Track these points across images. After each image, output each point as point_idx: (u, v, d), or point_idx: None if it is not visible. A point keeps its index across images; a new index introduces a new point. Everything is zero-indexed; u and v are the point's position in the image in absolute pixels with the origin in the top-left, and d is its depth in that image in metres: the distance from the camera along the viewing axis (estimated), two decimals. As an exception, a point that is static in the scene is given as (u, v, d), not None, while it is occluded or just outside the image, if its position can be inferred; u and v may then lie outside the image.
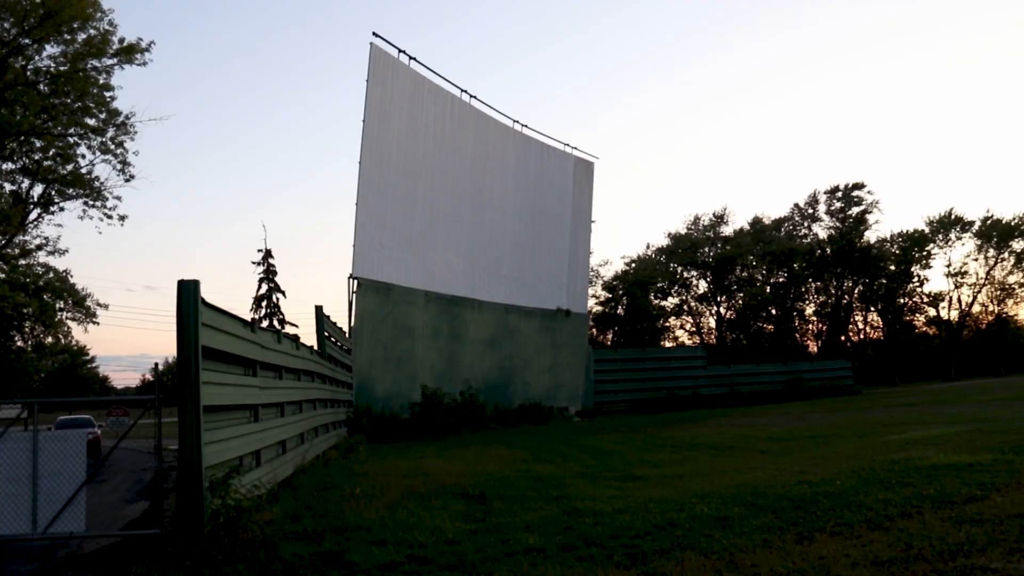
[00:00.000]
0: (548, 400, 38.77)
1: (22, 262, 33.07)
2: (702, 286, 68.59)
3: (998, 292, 69.41)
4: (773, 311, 65.48)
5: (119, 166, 31.42)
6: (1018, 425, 16.77)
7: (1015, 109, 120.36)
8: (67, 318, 36.21)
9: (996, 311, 70.28)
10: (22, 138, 28.98)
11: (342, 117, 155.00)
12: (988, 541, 6.70)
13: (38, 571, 8.40)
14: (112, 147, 31.01)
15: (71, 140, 30.75)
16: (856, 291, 67.99)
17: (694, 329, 69.73)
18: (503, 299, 35.81)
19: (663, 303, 67.65)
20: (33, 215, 32.13)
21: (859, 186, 66.19)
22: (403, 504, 10.82)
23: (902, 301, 68.26)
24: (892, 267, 65.65)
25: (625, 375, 45.80)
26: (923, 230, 67.03)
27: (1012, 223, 66.11)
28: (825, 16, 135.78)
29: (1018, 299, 69.34)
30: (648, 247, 75.37)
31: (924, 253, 66.94)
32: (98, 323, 39.48)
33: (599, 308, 63.13)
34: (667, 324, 68.31)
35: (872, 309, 69.60)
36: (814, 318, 69.41)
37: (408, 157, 28.95)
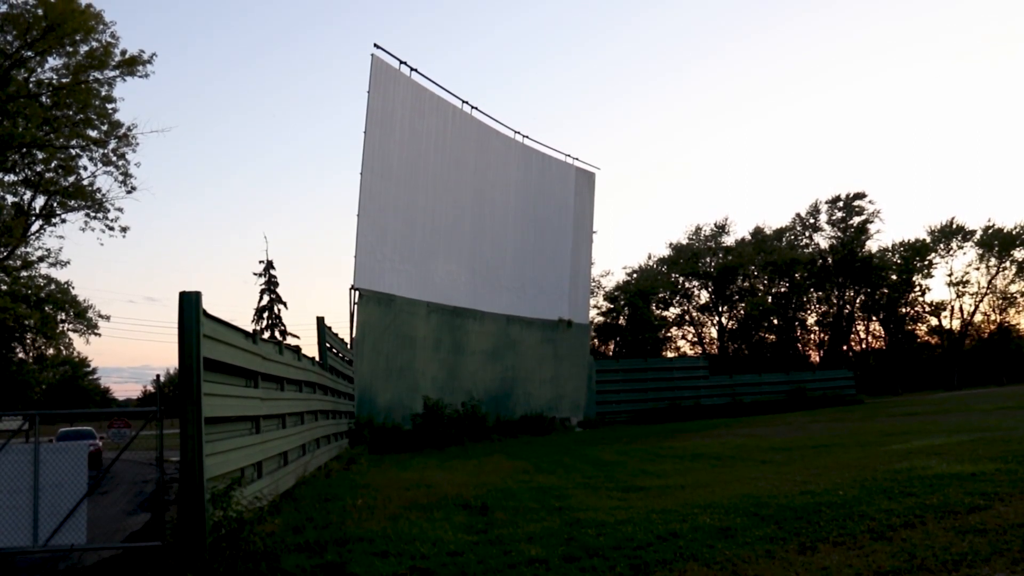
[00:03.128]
0: (550, 411, 38.62)
1: (24, 274, 33.15)
2: (704, 296, 68.59)
3: (1000, 301, 69.36)
4: (775, 321, 65.41)
5: (121, 178, 31.52)
6: (1021, 435, 16.71)
7: (1016, 118, 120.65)
8: (68, 329, 36.25)
9: (998, 320, 70.21)
10: (24, 150, 29.10)
11: (344, 128, 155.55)
12: (991, 551, 6.67)
13: (39, 584, 8.38)
14: (114, 159, 31.12)
15: (73, 152, 30.87)
16: (858, 300, 67.94)
17: (696, 339, 69.68)
18: (505, 310, 35.77)
19: (664, 313, 67.60)
20: (35, 227, 32.22)
21: (860, 196, 66.31)
22: (405, 515, 10.79)
23: (904, 310, 68.20)
24: (894, 276, 65.63)
25: (627, 385, 45.68)
26: (924, 239, 67.06)
27: (1013, 232, 66.15)
28: (826, 27, 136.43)
29: (1020, 308, 69.28)
30: (649, 257, 75.40)
31: (926, 263, 66.93)
32: (99, 334, 39.54)
33: (601, 319, 63.08)
34: (669, 334, 68.28)
35: (874, 318, 69.53)
36: (816, 328, 69.37)
37: (410, 168, 29.00)
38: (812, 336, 69.14)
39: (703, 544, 7.75)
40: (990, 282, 67.94)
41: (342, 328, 25.44)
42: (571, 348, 41.55)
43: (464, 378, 32.28)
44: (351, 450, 21.91)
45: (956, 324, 69.49)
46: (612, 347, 63.46)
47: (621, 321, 62.78)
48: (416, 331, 28.91)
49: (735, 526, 8.51)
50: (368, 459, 20.84)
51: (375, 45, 28.52)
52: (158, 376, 9.71)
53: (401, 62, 28.28)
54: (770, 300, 64.92)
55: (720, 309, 67.78)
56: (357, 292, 25.75)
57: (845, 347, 68.34)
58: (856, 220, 66.00)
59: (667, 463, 17.24)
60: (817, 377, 52.44)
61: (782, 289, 66.23)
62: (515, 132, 37.00)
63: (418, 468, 18.49)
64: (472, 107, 32.94)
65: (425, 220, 29.87)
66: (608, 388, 44.88)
